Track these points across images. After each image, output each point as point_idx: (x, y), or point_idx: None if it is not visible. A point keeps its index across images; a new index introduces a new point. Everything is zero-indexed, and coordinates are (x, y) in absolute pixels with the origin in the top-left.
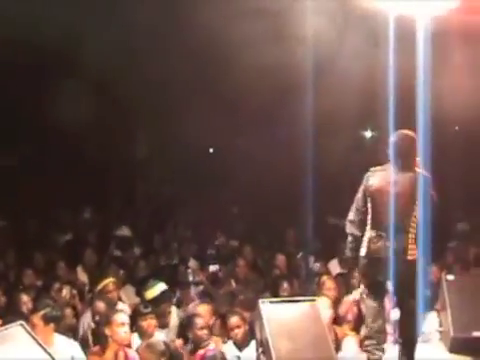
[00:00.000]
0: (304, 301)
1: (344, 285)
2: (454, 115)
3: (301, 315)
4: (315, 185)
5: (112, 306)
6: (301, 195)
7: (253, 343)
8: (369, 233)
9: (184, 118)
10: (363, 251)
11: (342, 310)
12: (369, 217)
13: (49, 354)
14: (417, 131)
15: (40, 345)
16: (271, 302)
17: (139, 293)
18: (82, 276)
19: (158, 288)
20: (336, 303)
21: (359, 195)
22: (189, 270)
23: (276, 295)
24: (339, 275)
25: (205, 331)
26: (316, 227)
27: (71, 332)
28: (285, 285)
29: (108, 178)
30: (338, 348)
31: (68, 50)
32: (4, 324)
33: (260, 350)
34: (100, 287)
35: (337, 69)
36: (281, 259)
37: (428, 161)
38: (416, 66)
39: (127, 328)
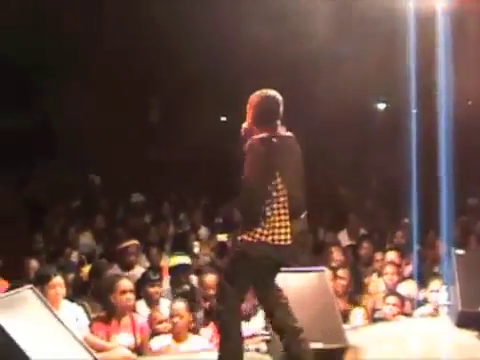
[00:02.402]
0: (313, 271)
1: (353, 256)
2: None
3: (309, 285)
4: (329, 157)
5: (128, 269)
6: (314, 165)
7: (261, 313)
8: None
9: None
10: None
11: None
12: None
13: (56, 316)
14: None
15: (48, 308)
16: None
17: (150, 259)
18: (91, 241)
19: (182, 259)
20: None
21: None
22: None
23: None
24: (349, 246)
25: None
26: (326, 198)
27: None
28: None
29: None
30: (346, 319)
31: None
32: (14, 288)
33: (268, 320)
34: (122, 247)
35: None
36: None
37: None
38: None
39: (131, 295)
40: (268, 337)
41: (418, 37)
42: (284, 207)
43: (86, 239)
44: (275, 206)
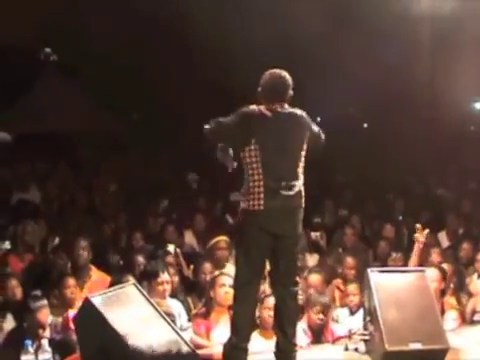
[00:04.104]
0: (413, 271)
1: (453, 258)
2: None
3: (409, 285)
4: (424, 156)
5: (220, 265)
6: (410, 165)
7: (360, 311)
8: None
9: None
10: None
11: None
12: None
13: (159, 312)
14: None
15: (151, 304)
16: (380, 271)
17: None
18: (191, 240)
19: None
20: (443, 275)
21: None
22: None
23: (384, 265)
24: (448, 248)
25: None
26: (425, 198)
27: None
28: (394, 255)
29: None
30: None
31: None
32: (117, 284)
33: (368, 319)
34: (211, 244)
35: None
36: (389, 229)
37: None
38: None
39: (229, 289)
40: (367, 337)
41: None
42: (258, 173)
43: (187, 238)
44: (250, 172)
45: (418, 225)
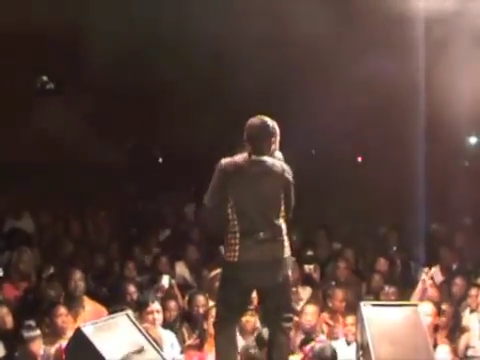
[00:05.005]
0: (406, 306)
1: (446, 293)
2: None
3: (403, 319)
4: (421, 190)
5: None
6: (407, 199)
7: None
8: None
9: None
10: None
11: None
12: None
13: (150, 341)
14: None
15: (142, 333)
16: (373, 305)
17: None
18: (184, 271)
19: None
20: (437, 310)
21: None
22: None
23: (377, 299)
24: (443, 283)
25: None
26: (419, 232)
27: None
28: (387, 289)
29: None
30: None
31: None
32: (109, 313)
33: (360, 353)
34: (211, 276)
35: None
36: (383, 263)
37: None
38: None
39: None
40: None
41: None
42: (234, 225)
43: (179, 269)
44: (229, 224)
45: (426, 269)
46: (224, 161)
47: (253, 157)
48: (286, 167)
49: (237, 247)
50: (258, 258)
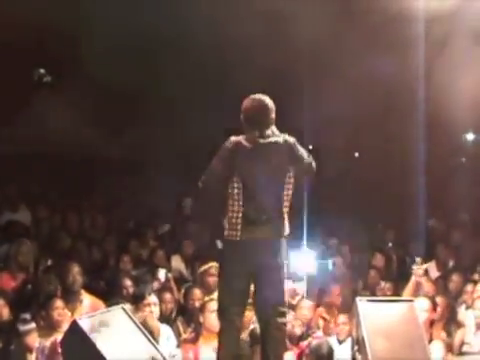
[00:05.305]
0: (401, 301)
1: (442, 288)
2: None
3: (398, 315)
4: (418, 187)
5: (210, 291)
6: (404, 196)
7: (348, 341)
8: None
9: None
10: None
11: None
12: None
13: (146, 335)
14: None
15: (138, 327)
16: (368, 301)
17: None
18: (179, 265)
19: None
20: (433, 306)
21: None
22: None
23: (373, 295)
24: (438, 278)
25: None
26: (416, 229)
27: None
28: (383, 284)
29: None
30: None
31: None
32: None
33: (355, 348)
34: (202, 270)
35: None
36: (379, 259)
37: None
38: None
39: None
40: None
41: None
42: (239, 205)
43: (175, 263)
44: (230, 203)
45: (418, 259)
46: (233, 139)
47: (260, 138)
48: (287, 137)
49: (239, 226)
50: (259, 237)
